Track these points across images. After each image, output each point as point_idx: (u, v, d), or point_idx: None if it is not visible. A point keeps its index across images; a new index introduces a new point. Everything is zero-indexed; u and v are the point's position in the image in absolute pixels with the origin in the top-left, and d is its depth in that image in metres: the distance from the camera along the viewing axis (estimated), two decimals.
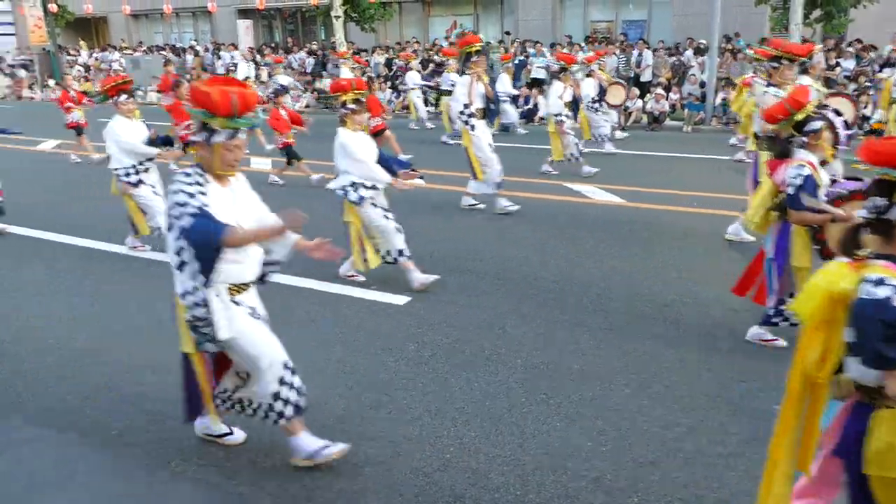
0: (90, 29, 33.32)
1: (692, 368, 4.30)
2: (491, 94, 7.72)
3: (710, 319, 5.03)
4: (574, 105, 10.06)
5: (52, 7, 26.14)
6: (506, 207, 8.00)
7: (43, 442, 3.64)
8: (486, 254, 6.60)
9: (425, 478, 3.27)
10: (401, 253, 5.62)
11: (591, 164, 10.07)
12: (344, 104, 5.42)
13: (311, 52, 23.00)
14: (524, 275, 6.02)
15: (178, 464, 3.41)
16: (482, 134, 7.70)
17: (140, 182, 6.50)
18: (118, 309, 5.45)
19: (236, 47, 24.79)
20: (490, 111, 7.85)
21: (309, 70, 22.09)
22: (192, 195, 2.88)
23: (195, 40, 28.40)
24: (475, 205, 8.23)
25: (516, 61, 17.64)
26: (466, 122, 7.64)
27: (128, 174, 6.45)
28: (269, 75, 17.57)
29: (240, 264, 3.10)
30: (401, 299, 5.47)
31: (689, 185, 9.21)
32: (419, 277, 5.63)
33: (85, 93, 12.69)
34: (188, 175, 2.96)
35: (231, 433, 3.55)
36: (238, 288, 3.15)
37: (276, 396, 3.22)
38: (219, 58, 24.10)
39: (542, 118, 14.57)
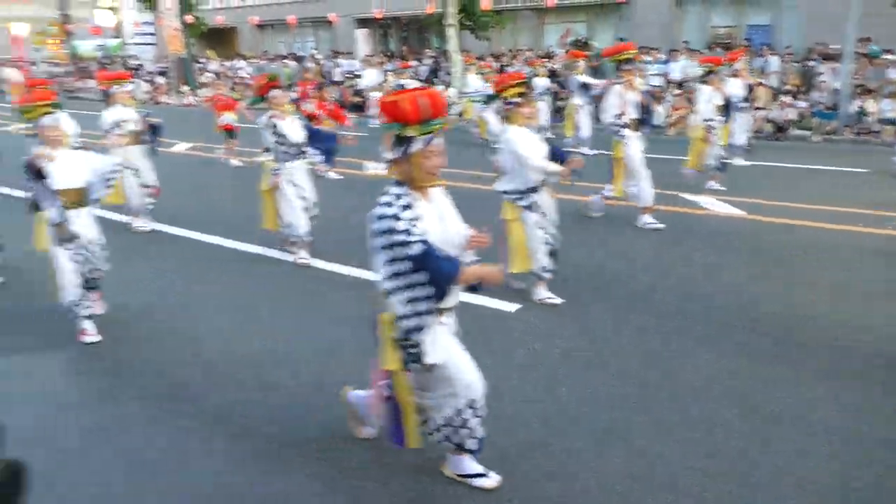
0: (221, 39, 35.42)
1: (823, 397, 4.04)
2: (646, 102, 7.45)
3: (836, 340, 4.71)
4: (725, 109, 9.16)
5: (189, 19, 28.01)
6: (650, 224, 7.60)
7: (162, 424, 3.89)
8: (598, 263, 6.48)
9: (532, 485, 3.25)
10: (544, 269, 5.45)
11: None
12: (507, 100, 5.21)
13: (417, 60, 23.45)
14: (638, 286, 5.86)
15: (295, 458, 3.54)
16: (633, 146, 7.37)
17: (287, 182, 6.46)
18: (249, 304, 5.75)
19: (352, 55, 25.65)
20: (644, 121, 7.48)
21: (423, 77, 22.50)
22: (410, 220, 2.82)
23: (315, 48, 29.62)
24: (654, 225, 7.60)
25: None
26: (617, 133, 7.37)
27: (276, 171, 6.44)
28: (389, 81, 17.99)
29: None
30: (511, 306, 5.45)
31: (818, 198, 8.68)
32: (543, 294, 5.54)
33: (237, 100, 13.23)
34: (397, 197, 2.87)
35: (485, 475, 3.30)
36: (445, 310, 3.09)
37: (463, 424, 3.16)
38: (337, 65, 25.01)
39: (655, 126, 14.01)
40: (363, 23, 28.95)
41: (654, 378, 4.26)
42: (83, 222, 4.91)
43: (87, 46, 40.13)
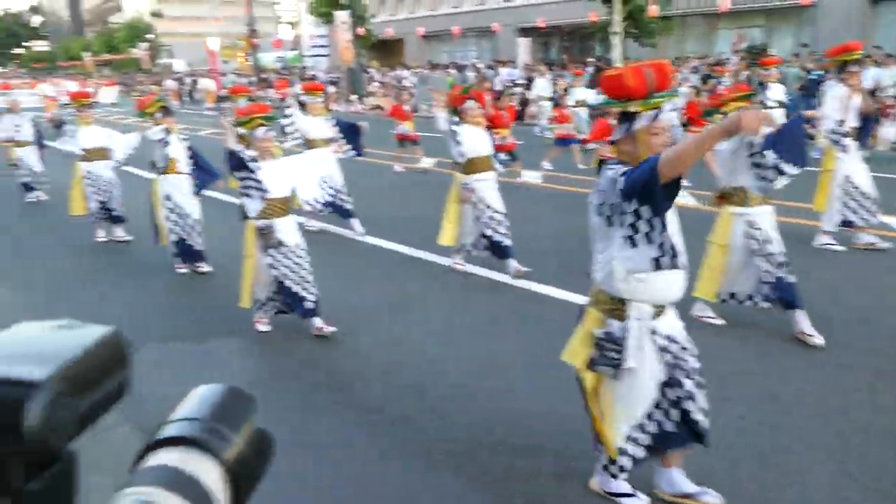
0: (388, 49, 37.11)
1: None
2: (871, 109, 6.85)
3: None
4: None
5: (360, 31, 29.60)
6: (872, 244, 6.93)
7: (329, 415, 4.11)
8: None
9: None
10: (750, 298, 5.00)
11: None
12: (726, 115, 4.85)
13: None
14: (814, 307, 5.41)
15: (443, 455, 3.62)
16: (852, 160, 6.73)
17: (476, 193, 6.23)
18: (423, 309, 5.97)
19: (514, 63, 25.85)
20: (864, 130, 6.86)
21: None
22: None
23: (477, 58, 30.21)
24: (831, 245, 6.96)
25: (813, 76, 15.96)
26: (837, 142, 6.74)
27: (467, 185, 6.21)
28: (565, 90, 17.98)
29: (669, 275, 2.77)
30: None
31: None
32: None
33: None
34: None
35: (633, 495, 3.10)
36: (661, 308, 2.85)
37: (622, 451, 2.96)
38: (496, 74, 25.33)
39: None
40: (525, 32, 29.12)
41: (830, 413, 3.91)
42: (289, 229, 5.01)
43: (268, 58, 43.59)
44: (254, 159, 4.86)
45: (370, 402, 4.21)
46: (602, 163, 2.83)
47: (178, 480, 0.52)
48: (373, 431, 3.90)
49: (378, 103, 27.26)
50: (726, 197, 4.91)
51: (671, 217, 2.75)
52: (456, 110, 6.31)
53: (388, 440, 3.80)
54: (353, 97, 28.22)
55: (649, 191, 2.53)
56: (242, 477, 0.56)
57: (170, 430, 0.55)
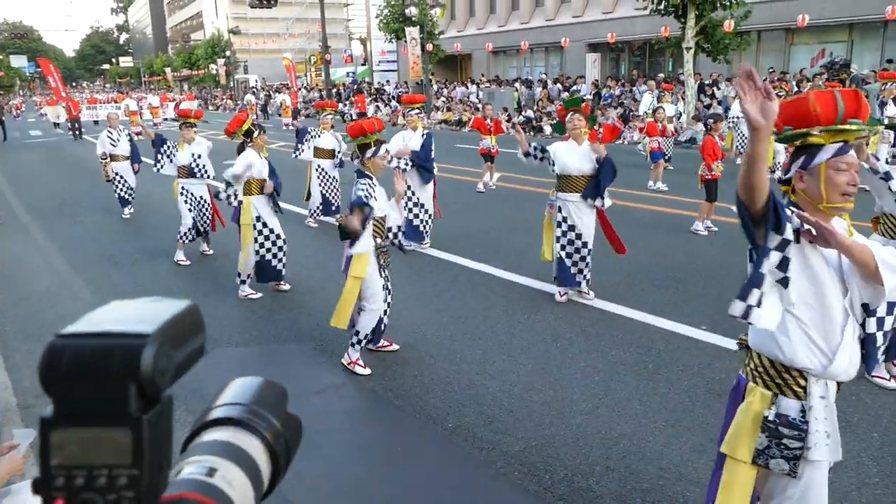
0: (456, 65, 37.52)
1: None
2: None
3: None
4: None
5: (429, 48, 30.06)
6: None
7: (383, 421, 4.22)
8: None
9: None
10: None
11: None
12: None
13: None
14: None
15: (503, 466, 3.68)
16: None
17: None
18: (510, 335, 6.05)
19: (583, 79, 25.77)
20: None
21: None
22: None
23: (545, 73, 30.18)
24: None
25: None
26: None
27: (551, 202, 6.10)
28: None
29: (848, 351, 2.21)
30: (734, 344, 5.15)
31: None
32: None
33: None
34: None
35: None
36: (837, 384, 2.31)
37: None
38: (566, 88, 25.29)
39: None
40: (594, 47, 28.98)
41: None
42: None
43: (339, 73, 44.71)
44: (371, 183, 4.75)
45: (431, 412, 4.30)
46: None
47: (232, 451, 0.64)
48: (434, 441, 3.98)
49: (444, 118, 27.59)
50: (875, 222, 4.70)
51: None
52: (562, 124, 6.15)
53: (448, 449, 3.88)
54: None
55: (744, 227, 2.14)
56: (280, 454, 0.67)
57: (218, 413, 0.67)
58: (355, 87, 36.10)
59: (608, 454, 3.74)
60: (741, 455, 2.29)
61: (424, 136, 8.12)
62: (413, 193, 8.04)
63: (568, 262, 6.11)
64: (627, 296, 6.34)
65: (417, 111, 8.47)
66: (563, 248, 6.10)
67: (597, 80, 25.67)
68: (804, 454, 2.21)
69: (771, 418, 2.23)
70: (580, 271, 6.13)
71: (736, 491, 2.29)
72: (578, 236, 6.04)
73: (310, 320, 6.00)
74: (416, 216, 8.10)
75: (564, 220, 6.06)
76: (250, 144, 6.53)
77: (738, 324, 5.35)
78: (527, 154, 6.07)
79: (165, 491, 0.58)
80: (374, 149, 4.82)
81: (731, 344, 5.15)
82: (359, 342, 4.92)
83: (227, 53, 50.54)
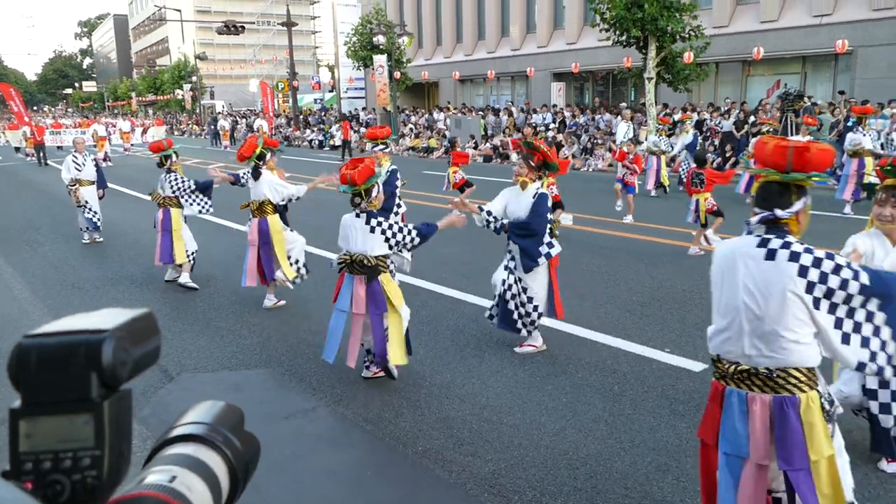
0: (423, 92, 37.91)
1: None
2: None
3: None
4: None
5: (397, 75, 30.36)
6: None
7: (352, 445, 4.24)
8: None
9: None
10: None
11: None
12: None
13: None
14: None
15: (472, 488, 3.72)
16: None
17: None
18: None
19: (547, 108, 26.26)
20: None
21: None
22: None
23: (511, 101, 30.68)
24: None
25: (849, 123, 15.98)
26: None
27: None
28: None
29: None
30: (697, 365, 5.29)
31: None
32: None
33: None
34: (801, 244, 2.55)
35: None
36: None
37: None
38: (530, 117, 25.74)
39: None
40: (559, 77, 29.57)
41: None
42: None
43: (307, 99, 44.79)
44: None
45: (401, 435, 4.33)
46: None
47: (193, 463, 0.69)
48: (404, 464, 4.01)
49: (412, 145, 27.82)
50: None
51: None
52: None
53: (418, 472, 3.91)
54: (389, 140, 28.75)
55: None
56: (239, 469, 0.73)
57: (180, 430, 0.72)
58: (338, 114, 35.80)
59: (575, 475, 3.81)
60: (828, 450, 2.52)
61: (388, 174, 7.63)
62: None
63: (514, 310, 5.55)
64: (593, 320, 6.46)
65: (383, 146, 8.10)
66: (510, 292, 5.52)
67: (560, 108, 26.15)
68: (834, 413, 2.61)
69: (827, 407, 2.56)
70: (525, 325, 5.61)
71: (839, 481, 2.54)
72: (530, 298, 5.52)
73: (279, 345, 6.00)
74: None
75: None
76: (263, 167, 6.95)
77: (700, 346, 5.51)
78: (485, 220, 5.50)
79: (126, 480, 0.64)
80: (377, 187, 4.93)
81: (694, 365, 5.29)
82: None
83: (194, 79, 50.32)
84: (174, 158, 8.07)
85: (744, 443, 2.58)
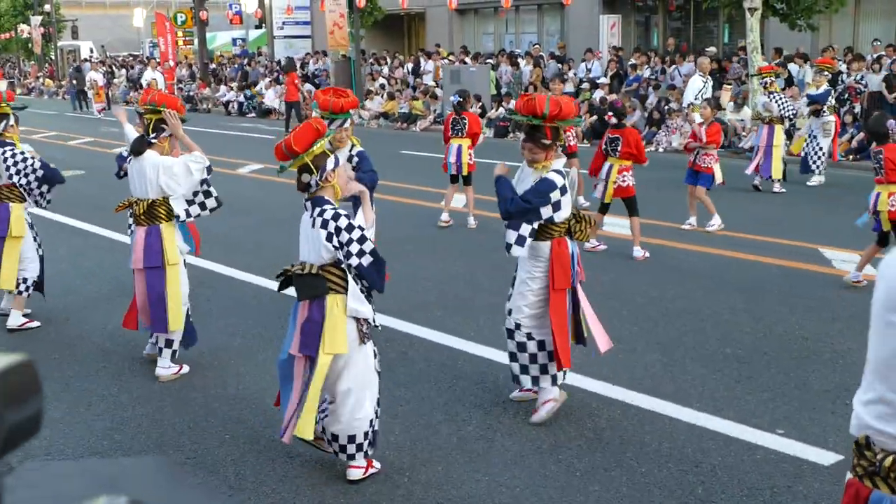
0: (401, 29, 38.14)
1: None
2: None
3: None
4: None
5: (360, 2, 30.16)
6: None
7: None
8: None
9: None
10: None
11: None
12: None
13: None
14: None
15: None
16: None
17: None
18: None
19: (594, 54, 26.39)
20: None
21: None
22: None
23: (536, 44, 30.66)
24: None
25: None
26: None
27: None
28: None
29: None
30: (826, 456, 5.33)
31: None
32: None
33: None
34: None
35: None
36: None
37: None
38: (566, 69, 25.85)
39: None
40: (611, 5, 29.71)
41: None
42: None
43: (221, 40, 45.00)
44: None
45: None
46: None
47: None
48: None
49: (384, 110, 27.94)
50: None
51: None
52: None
53: None
54: None
55: None
56: None
57: None
58: (280, 62, 35.55)
59: None
60: None
61: (356, 158, 7.69)
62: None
63: (514, 351, 6.11)
64: (664, 383, 6.50)
65: (344, 120, 7.66)
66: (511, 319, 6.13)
67: (614, 54, 26.28)
68: None
69: None
70: (523, 368, 6.02)
71: None
72: (509, 311, 6.14)
73: (177, 418, 6.02)
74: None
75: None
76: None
77: (831, 426, 5.55)
78: None
79: None
80: (332, 158, 5.01)
81: (821, 456, 5.32)
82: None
83: (46, 7, 50.50)
84: (11, 122, 7.91)
85: None
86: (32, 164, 7.85)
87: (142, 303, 6.84)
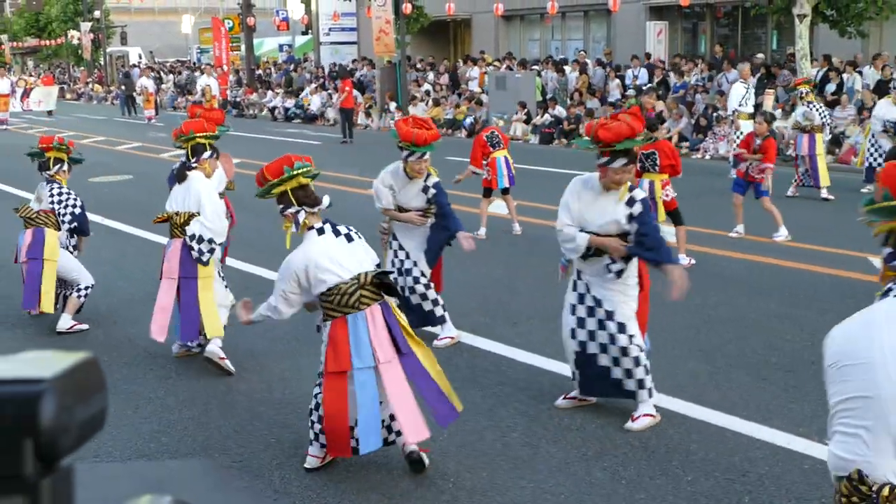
0: (447, 36, 38.19)
1: None
2: None
3: None
4: None
5: (407, 8, 30.25)
6: None
7: None
8: None
9: None
10: None
11: None
12: None
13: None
14: None
15: None
16: None
17: None
18: None
19: (640, 60, 26.25)
20: None
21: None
22: None
23: (582, 51, 30.61)
24: None
25: None
26: None
27: None
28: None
29: None
30: None
31: None
32: None
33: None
34: None
35: None
36: None
37: None
38: (615, 76, 25.75)
39: None
40: (657, 12, 29.57)
41: None
42: None
43: (268, 46, 45.34)
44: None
45: None
46: None
47: None
48: None
49: (430, 116, 27.93)
50: None
51: None
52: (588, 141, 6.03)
53: None
54: (393, 106, 28.93)
55: None
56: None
57: None
58: (336, 68, 35.67)
59: None
60: None
61: (433, 189, 7.68)
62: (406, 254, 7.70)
63: (600, 356, 6.01)
64: (709, 391, 6.45)
65: (424, 154, 7.49)
66: (590, 335, 6.03)
67: (661, 61, 26.16)
68: None
69: None
70: (627, 373, 5.95)
71: None
72: (609, 314, 5.96)
73: (223, 422, 6.08)
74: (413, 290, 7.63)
75: (588, 290, 6.06)
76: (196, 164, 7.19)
77: None
78: None
79: None
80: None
81: None
82: None
83: (96, 14, 51.20)
84: (64, 168, 8.33)
85: None
86: (74, 202, 8.22)
87: (165, 310, 7.05)
